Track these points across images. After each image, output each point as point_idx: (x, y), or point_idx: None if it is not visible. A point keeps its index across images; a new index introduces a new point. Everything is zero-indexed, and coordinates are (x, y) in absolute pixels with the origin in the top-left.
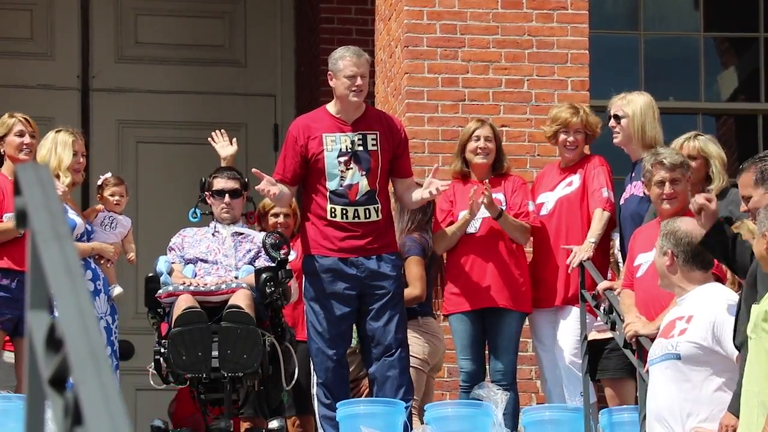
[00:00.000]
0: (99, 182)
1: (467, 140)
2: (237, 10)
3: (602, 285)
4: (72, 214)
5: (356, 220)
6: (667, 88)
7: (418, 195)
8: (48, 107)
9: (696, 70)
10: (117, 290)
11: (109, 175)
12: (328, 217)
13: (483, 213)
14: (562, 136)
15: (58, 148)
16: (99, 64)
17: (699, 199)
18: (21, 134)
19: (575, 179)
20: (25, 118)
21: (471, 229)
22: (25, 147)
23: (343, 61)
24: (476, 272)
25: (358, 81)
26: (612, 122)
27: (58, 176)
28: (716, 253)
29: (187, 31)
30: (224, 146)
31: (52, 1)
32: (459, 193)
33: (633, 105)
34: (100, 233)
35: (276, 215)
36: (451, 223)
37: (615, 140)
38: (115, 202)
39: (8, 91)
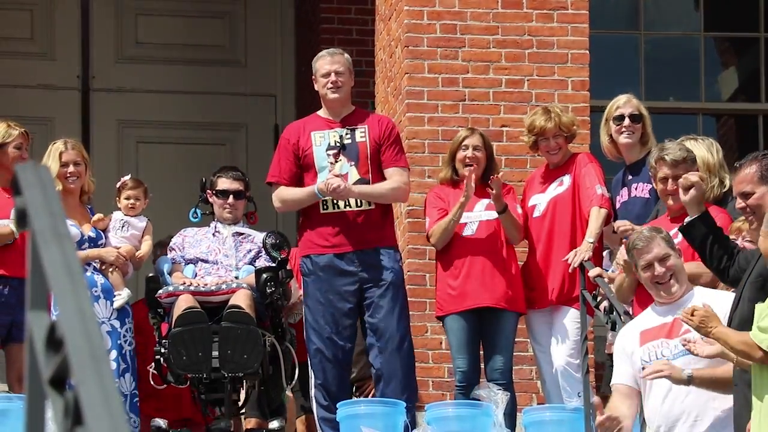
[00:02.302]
0: (118, 185)
1: (456, 148)
2: (237, 10)
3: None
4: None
5: (348, 208)
6: (667, 88)
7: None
8: (48, 107)
9: (696, 70)
10: (119, 300)
11: (127, 177)
12: (321, 210)
13: (480, 216)
14: (542, 144)
15: (49, 159)
16: (99, 64)
17: (692, 177)
18: (19, 147)
19: (566, 179)
20: (25, 132)
21: (468, 231)
22: (21, 161)
23: (319, 61)
24: (471, 273)
25: (332, 78)
26: (627, 121)
27: None
28: (694, 242)
29: (188, 31)
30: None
31: (52, 2)
32: (452, 196)
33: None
34: (110, 239)
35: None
36: None
37: (626, 139)
38: (129, 206)
39: (8, 91)
